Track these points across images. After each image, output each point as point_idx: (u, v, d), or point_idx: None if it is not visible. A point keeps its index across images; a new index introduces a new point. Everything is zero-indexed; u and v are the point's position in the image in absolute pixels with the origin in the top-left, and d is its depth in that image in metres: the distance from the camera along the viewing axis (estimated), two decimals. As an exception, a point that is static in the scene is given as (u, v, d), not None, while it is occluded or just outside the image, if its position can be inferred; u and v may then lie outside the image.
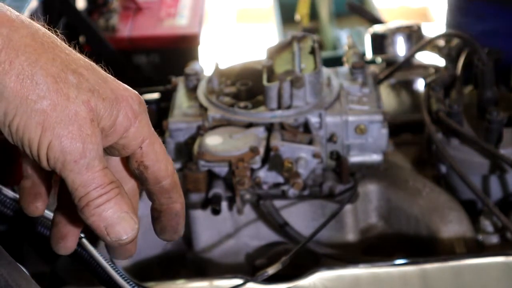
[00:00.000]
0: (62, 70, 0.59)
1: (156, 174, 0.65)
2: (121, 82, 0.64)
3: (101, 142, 0.60)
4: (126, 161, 0.67)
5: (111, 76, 0.63)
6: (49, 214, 0.75)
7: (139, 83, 1.50)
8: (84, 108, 0.59)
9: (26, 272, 0.70)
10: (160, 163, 0.65)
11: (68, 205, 0.62)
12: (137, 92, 0.64)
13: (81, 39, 1.62)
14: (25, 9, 1.23)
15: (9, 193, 0.80)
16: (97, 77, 0.61)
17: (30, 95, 0.57)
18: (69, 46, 0.62)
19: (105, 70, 0.64)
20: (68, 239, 0.67)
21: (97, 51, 1.60)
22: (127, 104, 0.62)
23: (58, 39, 0.61)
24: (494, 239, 1.09)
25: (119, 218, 0.61)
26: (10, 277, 0.61)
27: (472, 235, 1.09)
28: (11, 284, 0.59)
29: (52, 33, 0.61)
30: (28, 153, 0.59)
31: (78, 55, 0.62)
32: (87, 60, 0.62)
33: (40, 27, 0.60)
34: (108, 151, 0.64)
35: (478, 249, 1.08)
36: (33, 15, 1.30)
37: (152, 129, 0.65)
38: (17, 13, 0.60)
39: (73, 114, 0.58)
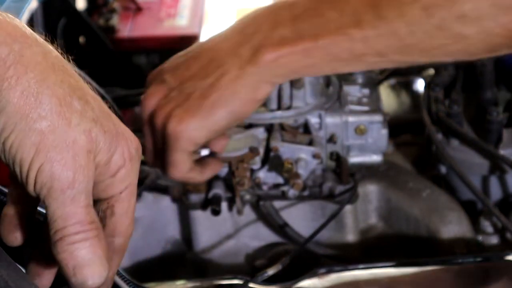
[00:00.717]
0: (69, 94, 0.58)
1: (117, 225, 0.63)
2: (122, 123, 0.63)
3: (93, 177, 0.59)
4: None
5: (114, 114, 0.62)
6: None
7: (139, 83, 1.50)
8: (84, 138, 0.58)
9: (26, 273, 0.70)
10: (126, 218, 0.63)
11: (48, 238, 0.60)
12: (136, 137, 0.63)
13: (81, 39, 1.62)
14: (25, 10, 1.23)
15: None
16: (102, 109, 0.60)
17: (31, 113, 0.56)
18: (79, 76, 0.61)
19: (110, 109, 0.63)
20: (44, 277, 0.66)
21: (97, 52, 1.60)
22: (125, 144, 0.61)
23: (70, 65, 0.60)
24: (494, 240, 1.09)
25: (90, 260, 0.58)
26: (10, 278, 0.60)
27: (472, 235, 1.09)
28: (11, 285, 0.58)
29: (65, 58, 0.61)
30: (18, 173, 0.58)
31: (85, 85, 0.61)
32: (93, 92, 0.61)
33: (53, 49, 0.60)
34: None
35: (478, 249, 1.08)
36: (33, 17, 1.30)
37: (137, 180, 0.63)
38: (32, 31, 0.59)
39: (71, 141, 0.57)
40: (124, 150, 0.61)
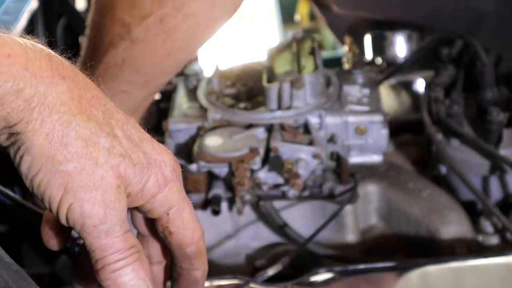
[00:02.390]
0: (95, 133, 0.57)
1: (180, 240, 0.64)
2: (157, 143, 0.62)
3: (126, 207, 0.59)
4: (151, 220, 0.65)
5: (148, 136, 0.62)
6: None
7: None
8: (112, 174, 0.58)
9: (26, 273, 0.70)
10: (186, 230, 0.64)
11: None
12: (172, 156, 0.63)
13: (81, 39, 1.61)
14: (25, 9, 1.23)
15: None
16: (132, 138, 0.60)
17: (57, 155, 0.56)
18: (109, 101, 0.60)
19: (144, 128, 0.62)
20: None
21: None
22: (159, 170, 0.61)
23: (99, 92, 0.60)
24: (494, 240, 1.09)
25: (134, 285, 0.59)
26: (10, 278, 0.60)
27: (472, 235, 1.09)
28: (11, 285, 0.58)
29: (95, 83, 0.60)
30: (48, 208, 0.58)
31: (117, 111, 0.60)
32: (124, 117, 0.61)
33: (81, 80, 0.59)
34: (134, 209, 0.63)
35: (478, 249, 1.08)
36: (33, 17, 1.30)
37: (183, 195, 0.63)
38: (63, 61, 0.58)
39: (99, 179, 0.57)
40: (158, 177, 0.61)
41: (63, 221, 0.58)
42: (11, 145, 0.58)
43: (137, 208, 0.63)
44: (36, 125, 0.56)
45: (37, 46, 0.58)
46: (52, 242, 0.65)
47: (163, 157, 0.62)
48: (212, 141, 1.07)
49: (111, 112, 0.60)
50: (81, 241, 0.70)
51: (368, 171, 1.13)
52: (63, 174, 0.56)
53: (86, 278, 0.68)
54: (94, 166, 0.57)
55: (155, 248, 0.68)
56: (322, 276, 0.94)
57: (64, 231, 0.65)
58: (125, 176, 0.59)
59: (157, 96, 1.26)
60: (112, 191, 0.58)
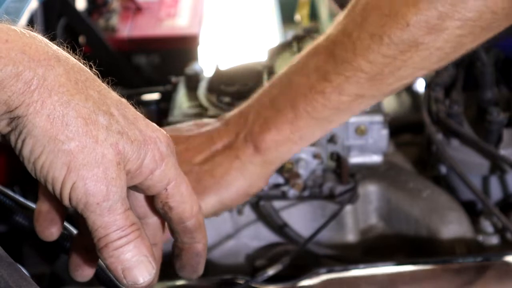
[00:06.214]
0: (94, 112, 0.59)
1: (180, 215, 0.66)
2: (150, 122, 0.64)
3: (126, 184, 0.60)
4: (151, 198, 0.67)
5: (141, 115, 0.63)
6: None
7: (139, 83, 1.50)
8: (111, 151, 0.59)
9: (26, 273, 0.70)
10: (185, 204, 0.66)
11: (89, 234, 0.62)
12: (165, 133, 0.64)
13: (81, 39, 1.62)
14: (25, 10, 1.23)
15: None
16: (127, 117, 0.61)
17: (59, 135, 0.57)
18: (102, 82, 0.62)
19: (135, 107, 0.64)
20: (85, 268, 0.69)
21: (97, 52, 1.60)
22: (154, 146, 0.62)
23: (92, 75, 0.61)
24: (494, 240, 1.09)
25: (137, 261, 0.60)
26: (10, 278, 0.61)
27: (472, 235, 1.09)
28: (11, 285, 0.59)
29: (87, 67, 0.61)
30: (50, 190, 0.59)
31: (111, 92, 0.62)
32: (118, 98, 0.62)
33: (75, 63, 0.60)
34: (133, 188, 0.64)
35: (478, 249, 1.08)
36: (33, 17, 1.30)
37: (179, 169, 0.65)
38: (55, 48, 0.59)
39: (100, 156, 0.58)
40: (154, 153, 0.62)
41: (65, 201, 0.59)
42: (12, 131, 0.58)
43: (135, 188, 0.64)
44: (37, 107, 0.57)
45: (31, 32, 0.59)
46: (46, 232, 0.66)
47: (157, 134, 0.63)
48: (212, 141, 1.06)
49: (105, 92, 0.61)
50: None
51: (368, 171, 1.13)
52: (65, 153, 0.57)
53: (83, 264, 0.68)
54: (95, 144, 0.58)
55: (150, 229, 0.69)
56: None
57: (58, 220, 0.66)
58: (124, 153, 0.60)
59: (157, 96, 1.27)
60: (113, 168, 0.59)
